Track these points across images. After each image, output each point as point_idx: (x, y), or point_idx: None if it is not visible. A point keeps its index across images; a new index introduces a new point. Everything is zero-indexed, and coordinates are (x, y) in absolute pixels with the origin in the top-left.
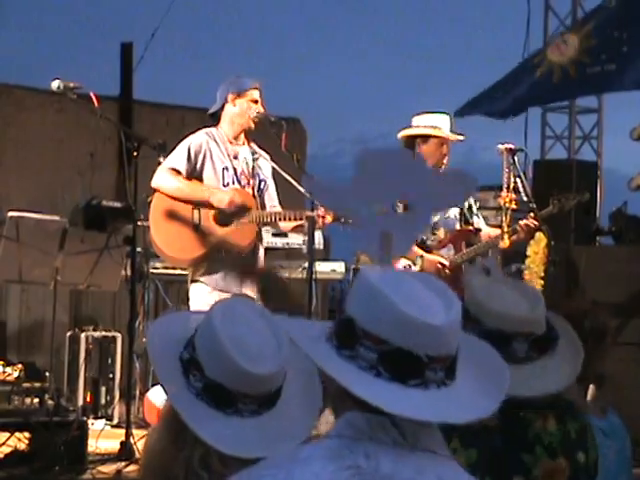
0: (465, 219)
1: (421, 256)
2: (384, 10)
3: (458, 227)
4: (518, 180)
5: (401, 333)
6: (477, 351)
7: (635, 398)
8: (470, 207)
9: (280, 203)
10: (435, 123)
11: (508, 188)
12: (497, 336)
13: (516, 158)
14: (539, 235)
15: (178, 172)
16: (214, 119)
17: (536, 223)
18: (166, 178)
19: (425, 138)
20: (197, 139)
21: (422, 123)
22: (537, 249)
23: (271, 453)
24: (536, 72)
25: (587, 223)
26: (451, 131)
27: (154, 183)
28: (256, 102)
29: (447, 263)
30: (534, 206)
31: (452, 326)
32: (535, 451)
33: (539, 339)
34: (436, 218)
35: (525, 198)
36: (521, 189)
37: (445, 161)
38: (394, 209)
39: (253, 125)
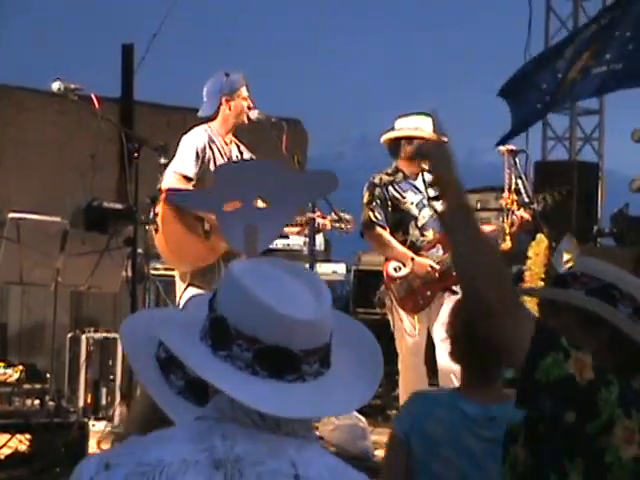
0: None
1: (412, 259)
2: (386, 11)
3: None
4: (519, 181)
5: (275, 331)
6: (351, 333)
7: None
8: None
9: None
10: (417, 124)
11: (509, 189)
12: None
13: (517, 159)
14: (540, 237)
15: (188, 179)
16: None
17: (528, 217)
18: (176, 186)
19: (409, 140)
20: (201, 140)
21: (405, 125)
22: (538, 251)
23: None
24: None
25: (588, 225)
26: (434, 132)
27: (165, 187)
28: (246, 98)
29: (437, 267)
30: (535, 207)
31: (324, 317)
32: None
33: None
34: (424, 220)
35: (526, 199)
36: (522, 190)
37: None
38: (253, 206)
39: (247, 120)
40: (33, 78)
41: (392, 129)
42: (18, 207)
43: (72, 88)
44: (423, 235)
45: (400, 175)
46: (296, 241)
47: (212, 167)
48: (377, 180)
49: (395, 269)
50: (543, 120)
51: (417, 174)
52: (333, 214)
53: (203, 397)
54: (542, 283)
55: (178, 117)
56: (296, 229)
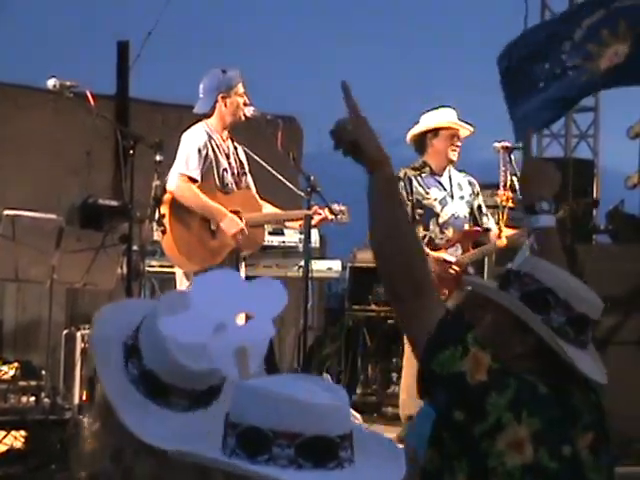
0: (474, 219)
1: (427, 254)
2: (383, 9)
3: (467, 227)
4: (514, 178)
5: (310, 421)
6: (369, 439)
7: (632, 398)
8: (480, 207)
9: (262, 192)
10: (442, 117)
11: (505, 186)
12: (582, 321)
13: (513, 156)
14: None
15: (193, 180)
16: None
17: None
18: (183, 188)
19: (435, 133)
20: (202, 139)
21: (429, 119)
22: None
23: (198, 445)
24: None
25: (584, 222)
26: (459, 122)
27: (170, 188)
28: (242, 95)
29: (452, 259)
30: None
31: (344, 403)
32: (582, 420)
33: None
34: (445, 217)
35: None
36: (518, 187)
37: (457, 153)
38: (233, 323)
39: (244, 117)
40: (28, 75)
41: (416, 125)
42: (13, 204)
43: (67, 85)
44: (443, 233)
45: (427, 169)
46: (291, 238)
47: (213, 165)
48: (401, 174)
49: None
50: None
51: (444, 169)
52: (327, 210)
53: (154, 391)
54: None
55: (174, 114)
56: (296, 224)
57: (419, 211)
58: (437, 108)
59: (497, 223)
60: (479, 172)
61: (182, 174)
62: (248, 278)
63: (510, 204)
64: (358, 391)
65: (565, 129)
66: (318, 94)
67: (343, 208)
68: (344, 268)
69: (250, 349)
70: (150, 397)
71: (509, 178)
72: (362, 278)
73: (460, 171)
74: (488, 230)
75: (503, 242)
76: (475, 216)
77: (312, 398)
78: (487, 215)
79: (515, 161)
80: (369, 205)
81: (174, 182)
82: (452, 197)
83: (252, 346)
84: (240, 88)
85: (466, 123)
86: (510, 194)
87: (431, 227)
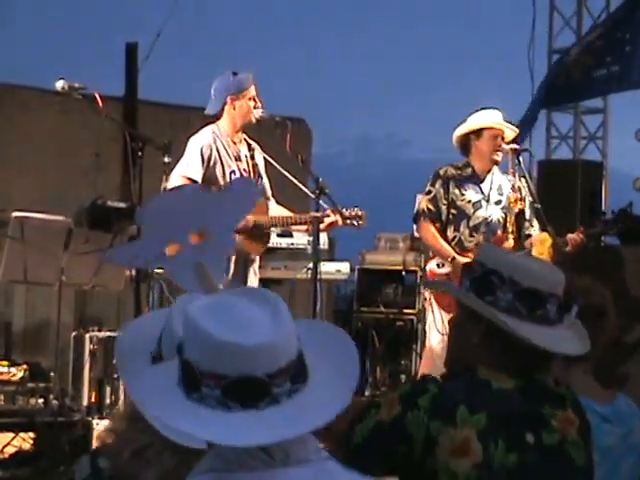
0: (506, 225)
1: (453, 258)
2: (389, 11)
3: (500, 232)
4: (523, 180)
5: (235, 363)
6: (325, 339)
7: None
8: (522, 212)
9: (274, 195)
10: (485, 118)
11: (513, 188)
12: (533, 296)
13: (521, 158)
14: (544, 235)
15: (194, 182)
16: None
17: (583, 238)
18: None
19: (478, 134)
20: (206, 141)
21: (474, 120)
22: (542, 249)
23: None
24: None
25: (592, 223)
26: (505, 123)
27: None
28: (254, 99)
29: None
30: (539, 206)
31: (283, 336)
32: (551, 405)
33: (563, 302)
34: (476, 221)
35: (530, 198)
36: (526, 189)
37: (501, 154)
38: (187, 242)
39: (254, 120)
40: (37, 77)
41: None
42: (22, 206)
43: (76, 87)
44: (472, 236)
45: (469, 170)
46: (300, 240)
47: (219, 168)
48: (442, 172)
49: (438, 265)
50: (547, 118)
51: (488, 171)
52: (345, 211)
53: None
54: None
55: (182, 116)
56: (304, 227)
57: (453, 211)
58: (484, 109)
59: (505, 225)
60: None
61: (182, 175)
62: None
63: (519, 206)
64: (367, 393)
65: (574, 131)
66: (326, 96)
67: (361, 213)
68: (352, 270)
69: (209, 265)
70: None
71: (517, 180)
72: (371, 280)
73: (509, 174)
74: (529, 236)
75: (511, 244)
76: (508, 222)
77: (239, 337)
78: (531, 221)
79: (523, 163)
80: None
81: (173, 183)
82: (488, 201)
83: (210, 262)
84: (251, 91)
85: (510, 123)
86: (519, 196)
87: (461, 229)
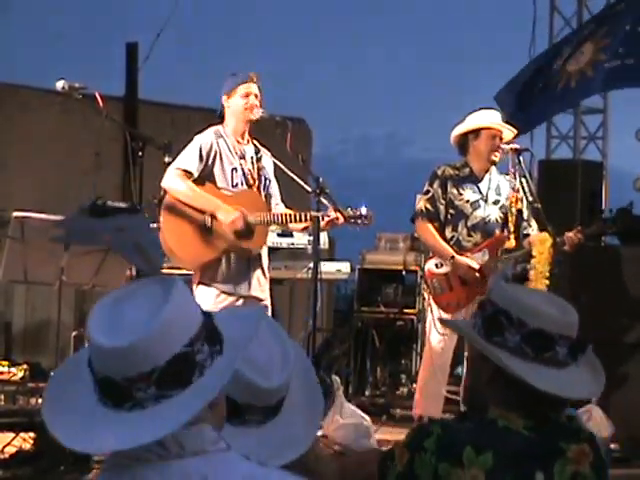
0: (507, 225)
1: (452, 257)
2: (389, 11)
3: (498, 232)
4: (523, 180)
5: (99, 363)
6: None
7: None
8: (520, 212)
9: (283, 201)
10: (484, 117)
11: (514, 188)
12: (541, 337)
13: (521, 158)
14: (544, 235)
15: (189, 174)
16: (221, 119)
17: (581, 237)
18: (177, 181)
19: (476, 133)
20: (207, 138)
21: (472, 119)
22: (542, 249)
23: (277, 461)
24: (557, 87)
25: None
26: (502, 123)
27: (164, 184)
28: (247, 95)
29: (477, 266)
30: (539, 206)
31: (152, 341)
32: (566, 440)
33: (575, 344)
34: (474, 220)
35: (530, 198)
36: (527, 189)
37: (499, 155)
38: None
39: (253, 118)
40: (37, 77)
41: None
42: (22, 206)
43: (76, 87)
44: (470, 235)
45: (467, 170)
46: (300, 240)
47: (218, 165)
48: (439, 172)
49: (437, 265)
50: (547, 119)
51: (486, 171)
52: (349, 210)
53: (230, 413)
54: (547, 282)
55: (182, 116)
56: (302, 226)
57: (451, 211)
58: (483, 109)
59: (503, 225)
60: None
61: (177, 167)
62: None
63: (519, 206)
64: (367, 392)
65: (574, 131)
66: (327, 95)
67: (366, 212)
68: (353, 270)
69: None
70: (228, 420)
71: (518, 180)
72: (371, 280)
73: (506, 174)
74: (527, 235)
75: (512, 244)
76: (507, 221)
77: (102, 337)
78: (529, 221)
79: (524, 163)
80: None
81: (168, 176)
82: (486, 201)
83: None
84: (241, 89)
85: (509, 124)
86: (519, 195)
87: (459, 228)
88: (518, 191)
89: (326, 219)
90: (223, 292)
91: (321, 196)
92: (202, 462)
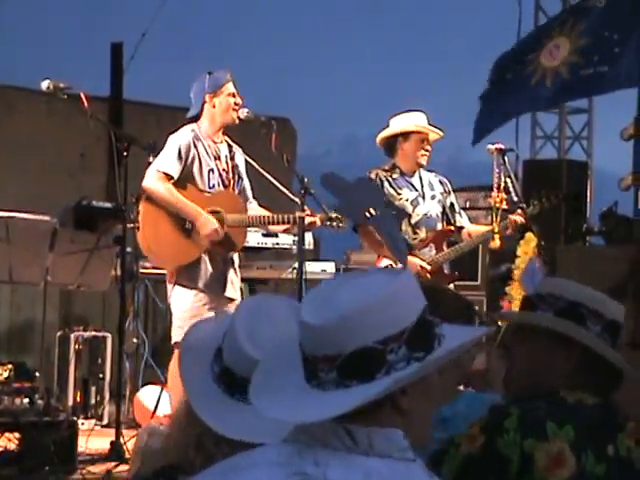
0: (447, 218)
1: None
2: (376, 11)
3: (440, 227)
4: (508, 180)
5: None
6: None
7: (628, 397)
8: (452, 205)
9: (257, 198)
10: (413, 121)
11: (498, 188)
12: (615, 327)
13: (506, 158)
14: (529, 235)
15: (169, 177)
16: (195, 118)
17: (523, 220)
18: (157, 185)
19: (406, 136)
20: (185, 139)
21: (400, 122)
22: (527, 249)
23: (272, 439)
24: (531, 81)
25: (577, 223)
26: (430, 126)
27: (145, 185)
28: (234, 95)
29: (428, 267)
30: (524, 206)
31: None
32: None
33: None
34: (417, 218)
35: (515, 198)
36: (511, 189)
37: (427, 158)
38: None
39: (237, 120)
40: (22, 77)
41: (387, 128)
42: (7, 206)
43: (61, 87)
44: (415, 233)
45: (397, 172)
46: (285, 240)
47: (196, 166)
48: (373, 175)
49: (386, 267)
50: (532, 118)
51: (414, 172)
52: (320, 215)
53: (232, 387)
54: None
55: (167, 116)
56: (283, 227)
57: (392, 212)
58: (407, 111)
59: (491, 224)
60: (473, 174)
61: (158, 170)
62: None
63: (504, 206)
64: None
65: (559, 131)
66: (311, 96)
67: (342, 216)
68: (338, 270)
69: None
70: (229, 393)
71: (503, 180)
72: None
73: (430, 171)
74: (461, 228)
75: (497, 243)
76: (447, 215)
77: (308, 313)
78: (460, 213)
79: (509, 163)
80: None
81: (148, 177)
82: (423, 197)
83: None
84: (229, 88)
85: (436, 127)
86: (504, 196)
87: (403, 228)
88: (502, 190)
89: (306, 221)
90: (201, 292)
91: (306, 196)
92: (386, 466)
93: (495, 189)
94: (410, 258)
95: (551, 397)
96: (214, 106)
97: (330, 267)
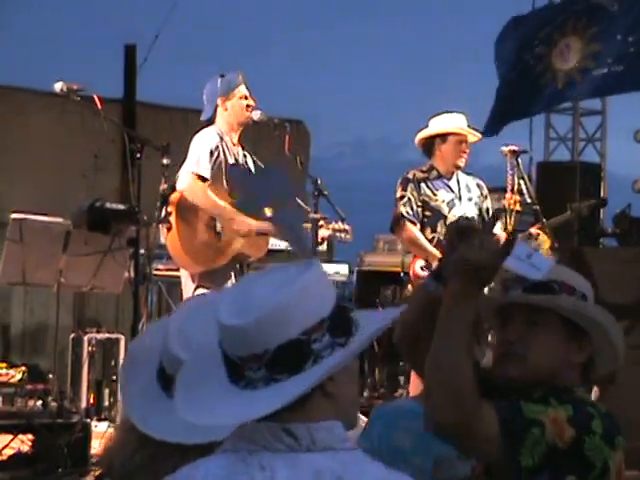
0: (483, 221)
1: (439, 259)
2: (386, 12)
3: None
4: (522, 182)
5: (220, 338)
6: None
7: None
8: (488, 210)
9: None
10: (452, 122)
11: (512, 190)
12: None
13: (520, 160)
14: (542, 237)
15: (203, 178)
16: (210, 121)
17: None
18: (194, 187)
19: (443, 137)
20: (213, 140)
21: (439, 123)
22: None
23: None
24: (541, 80)
25: (591, 225)
26: (468, 128)
27: (181, 187)
28: (246, 97)
29: None
30: (538, 208)
31: (259, 323)
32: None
33: None
34: (454, 218)
35: (529, 200)
36: (525, 191)
37: (465, 160)
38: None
39: (250, 121)
40: (36, 79)
41: (425, 128)
42: (21, 208)
43: (74, 89)
44: None
45: (434, 173)
46: None
47: (222, 168)
48: (410, 175)
49: (422, 268)
50: (545, 120)
51: (452, 173)
52: (335, 223)
53: (165, 384)
54: None
55: (180, 117)
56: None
57: (427, 213)
58: (447, 112)
59: (505, 227)
60: (486, 176)
61: (193, 172)
62: None
63: (518, 207)
64: (365, 394)
65: (572, 133)
66: (323, 98)
67: (347, 227)
68: (351, 272)
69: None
70: (166, 393)
71: (516, 182)
72: (369, 281)
73: (468, 174)
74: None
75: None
76: (484, 218)
77: (227, 315)
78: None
79: (522, 164)
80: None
81: (185, 181)
82: (460, 199)
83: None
84: (241, 90)
85: (474, 130)
86: (517, 198)
87: (439, 229)
88: (515, 192)
89: (320, 234)
90: None
91: (319, 198)
92: (333, 460)
93: (509, 191)
94: (434, 251)
95: (570, 394)
96: (226, 109)
97: (344, 269)
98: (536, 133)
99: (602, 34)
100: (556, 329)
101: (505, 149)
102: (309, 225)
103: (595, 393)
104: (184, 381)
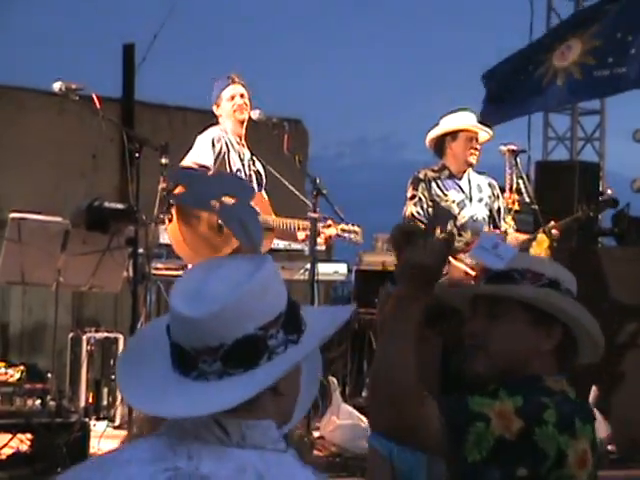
0: (494, 221)
1: (448, 261)
2: (387, 12)
3: (486, 230)
4: (520, 181)
5: (173, 329)
6: None
7: (628, 400)
8: (499, 209)
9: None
10: (461, 119)
11: (511, 189)
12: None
13: (518, 159)
14: (541, 236)
15: (207, 168)
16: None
17: (557, 233)
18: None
19: (454, 135)
20: (216, 133)
21: (448, 121)
22: (539, 251)
23: None
24: (542, 81)
25: (590, 224)
26: (479, 125)
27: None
28: (233, 97)
29: (473, 273)
30: (536, 207)
31: (219, 316)
32: None
33: None
34: (463, 220)
35: (527, 199)
36: (523, 190)
37: (476, 157)
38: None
39: (244, 117)
40: (34, 78)
41: (435, 127)
42: (19, 207)
43: (73, 88)
44: (461, 235)
45: (446, 172)
46: None
47: (226, 161)
48: (422, 175)
49: None
50: (544, 120)
51: (463, 172)
52: (343, 225)
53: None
54: None
55: (179, 117)
56: (302, 237)
57: (437, 213)
58: (456, 111)
59: (490, 223)
60: None
61: (194, 162)
62: None
63: (516, 207)
64: (364, 394)
65: (571, 132)
66: (322, 96)
67: (357, 229)
68: (350, 271)
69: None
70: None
71: (515, 181)
72: (368, 281)
73: (481, 173)
74: (507, 233)
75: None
76: (494, 218)
77: (183, 306)
78: (505, 219)
79: (521, 164)
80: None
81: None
82: (471, 200)
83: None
84: (226, 94)
85: (486, 126)
86: (516, 197)
87: (449, 229)
88: (514, 192)
89: (326, 232)
90: None
91: (318, 197)
92: (259, 458)
93: (507, 190)
94: (456, 263)
95: (535, 383)
96: (220, 115)
97: (342, 268)
98: (535, 132)
99: (602, 31)
100: (517, 317)
101: (504, 148)
102: (301, 224)
103: (594, 392)
104: (125, 366)
